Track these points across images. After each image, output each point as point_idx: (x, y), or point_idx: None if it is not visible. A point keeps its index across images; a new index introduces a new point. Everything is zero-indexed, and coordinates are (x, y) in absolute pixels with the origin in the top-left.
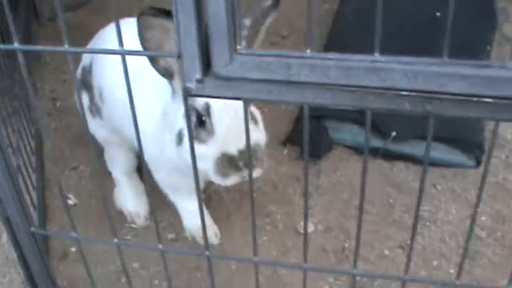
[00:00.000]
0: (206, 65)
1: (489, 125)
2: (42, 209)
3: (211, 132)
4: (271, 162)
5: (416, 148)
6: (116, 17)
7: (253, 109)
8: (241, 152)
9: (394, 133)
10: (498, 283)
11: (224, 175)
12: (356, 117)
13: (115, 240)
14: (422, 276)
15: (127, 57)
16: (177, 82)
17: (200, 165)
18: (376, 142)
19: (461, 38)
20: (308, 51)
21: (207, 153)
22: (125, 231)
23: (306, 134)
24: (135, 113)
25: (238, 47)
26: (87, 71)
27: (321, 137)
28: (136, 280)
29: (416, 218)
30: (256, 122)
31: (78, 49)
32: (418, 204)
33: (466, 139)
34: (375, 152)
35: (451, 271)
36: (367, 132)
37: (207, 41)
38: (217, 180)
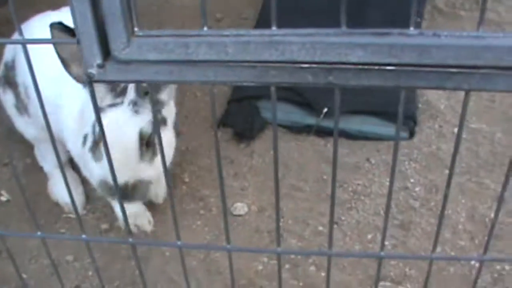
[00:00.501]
0: (106, 50)
1: (422, 96)
2: None
3: (99, 158)
4: (204, 145)
5: (349, 123)
6: None
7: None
8: (126, 184)
9: (326, 109)
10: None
11: (108, 196)
12: (288, 96)
13: (39, 233)
14: (356, 250)
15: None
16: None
17: (90, 179)
18: (309, 119)
19: (391, 11)
20: (205, 28)
21: (94, 172)
22: (60, 224)
23: (215, 117)
24: (43, 105)
25: (135, 29)
26: (10, 67)
27: (253, 118)
28: (70, 273)
29: (333, 189)
30: (165, 123)
31: None
32: (334, 175)
33: (397, 111)
34: (308, 129)
35: (386, 243)
36: (274, 107)
37: (104, 25)
38: None
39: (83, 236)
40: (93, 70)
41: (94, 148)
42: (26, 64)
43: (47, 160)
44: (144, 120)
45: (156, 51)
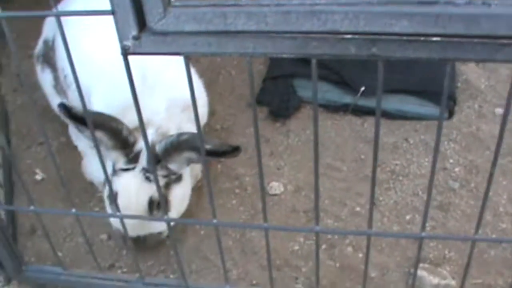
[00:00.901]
0: (141, 21)
1: (461, 75)
2: (9, 186)
3: (114, 211)
4: (239, 123)
5: (387, 102)
6: None
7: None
8: (138, 236)
9: (363, 88)
10: (472, 234)
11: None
12: (324, 74)
13: (73, 210)
14: (394, 231)
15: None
16: None
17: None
18: (346, 98)
19: None
20: None
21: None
22: (94, 202)
23: (253, 90)
24: (81, 92)
25: None
26: (50, 47)
27: (289, 96)
28: (104, 252)
29: (374, 169)
30: (180, 180)
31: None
32: (375, 156)
33: (437, 90)
34: (345, 108)
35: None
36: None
37: None
38: None
39: (118, 213)
40: (128, 42)
41: (110, 199)
42: (60, 36)
43: (81, 139)
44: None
45: (193, 21)
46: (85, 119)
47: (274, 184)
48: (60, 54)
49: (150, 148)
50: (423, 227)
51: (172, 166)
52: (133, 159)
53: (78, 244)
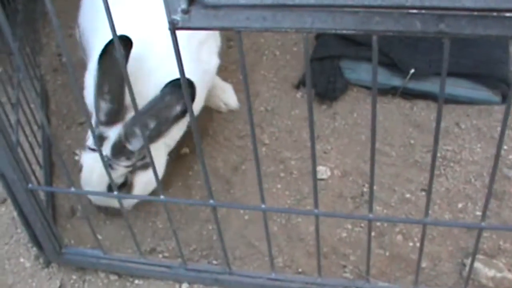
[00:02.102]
0: None
1: None
2: (48, 167)
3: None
4: (284, 105)
5: (437, 85)
6: None
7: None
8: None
9: (413, 70)
10: None
11: None
12: (372, 55)
13: (115, 193)
14: (446, 219)
15: None
16: None
17: None
18: (395, 81)
19: None
20: None
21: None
22: None
23: (308, 66)
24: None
25: None
26: None
27: (336, 78)
28: (145, 235)
29: (434, 158)
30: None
31: None
32: (436, 142)
33: (491, 73)
34: (393, 91)
35: (478, 213)
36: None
37: None
38: None
39: (162, 197)
40: (177, 16)
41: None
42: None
43: None
44: (116, 173)
45: None
46: None
47: (321, 168)
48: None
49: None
50: (483, 217)
51: (131, 147)
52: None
53: (118, 227)
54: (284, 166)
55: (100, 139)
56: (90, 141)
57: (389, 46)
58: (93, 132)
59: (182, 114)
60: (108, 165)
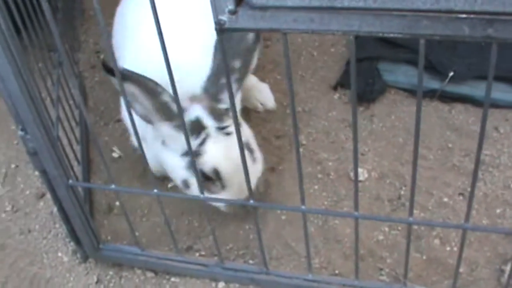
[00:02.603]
0: None
1: None
2: (86, 163)
3: (219, 189)
4: (321, 106)
5: (475, 89)
6: None
7: (246, 136)
8: None
9: (451, 73)
10: None
11: None
12: (410, 57)
13: (155, 190)
14: (484, 225)
15: None
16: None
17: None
18: (433, 83)
19: None
20: None
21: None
22: (171, 182)
23: (353, 68)
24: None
25: None
26: None
27: (374, 80)
28: (181, 233)
29: (477, 163)
30: (251, 151)
31: None
32: (479, 148)
33: None
34: (432, 94)
35: None
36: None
37: None
38: None
39: (201, 195)
40: (224, 17)
41: (208, 183)
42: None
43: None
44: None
45: None
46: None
47: (358, 170)
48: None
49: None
50: None
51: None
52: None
53: (154, 224)
54: (321, 167)
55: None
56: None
57: (428, 48)
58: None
59: (256, 41)
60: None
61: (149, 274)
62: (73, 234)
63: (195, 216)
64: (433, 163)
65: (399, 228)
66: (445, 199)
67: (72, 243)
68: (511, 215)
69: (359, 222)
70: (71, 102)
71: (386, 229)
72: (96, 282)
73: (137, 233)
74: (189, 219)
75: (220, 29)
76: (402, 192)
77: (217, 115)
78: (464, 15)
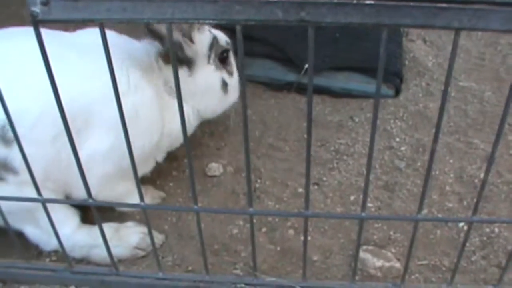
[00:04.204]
0: None
1: (408, 53)
2: None
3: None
4: None
5: (332, 80)
6: None
7: None
8: None
9: (307, 65)
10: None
11: None
12: (268, 51)
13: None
14: (337, 212)
15: None
16: None
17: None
18: (290, 76)
19: None
20: None
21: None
22: None
23: (175, 67)
24: None
25: None
26: None
27: None
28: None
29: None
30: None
31: None
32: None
33: (384, 67)
34: (288, 87)
35: (370, 205)
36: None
37: None
38: None
39: (39, 197)
40: (37, 8)
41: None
42: None
43: None
44: None
45: None
46: None
47: (213, 165)
48: None
49: None
50: (364, 207)
51: None
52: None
53: (4, 233)
54: (177, 164)
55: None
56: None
57: (284, 41)
58: None
59: None
60: None
61: None
62: None
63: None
64: (289, 155)
65: (254, 221)
66: (300, 190)
67: None
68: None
69: (213, 217)
70: None
71: (241, 222)
72: None
73: None
74: None
75: (34, 21)
76: (257, 185)
77: None
78: None
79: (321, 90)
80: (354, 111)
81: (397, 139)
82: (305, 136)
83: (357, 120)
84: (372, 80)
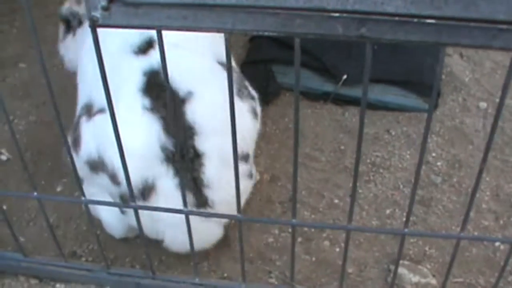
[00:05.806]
0: None
1: (445, 67)
2: None
3: None
4: None
5: (368, 92)
6: None
7: None
8: None
9: (345, 76)
10: (454, 231)
11: None
12: (305, 60)
13: (35, 193)
14: (373, 225)
15: None
16: None
17: None
18: (327, 86)
19: None
20: None
21: None
22: (61, 186)
23: (230, 74)
24: None
25: None
26: None
27: (268, 82)
28: (68, 237)
29: (357, 163)
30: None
31: None
32: (358, 148)
33: (421, 81)
34: (325, 97)
35: (405, 219)
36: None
37: None
38: None
39: (83, 198)
40: (97, 13)
41: None
42: None
43: None
44: None
45: None
46: None
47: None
48: None
49: None
50: (407, 223)
51: None
52: None
53: (41, 229)
54: None
55: None
56: None
57: (322, 50)
58: None
59: None
60: None
61: (33, 281)
62: None
63: (83, 220)
64: (325, 165)
65: (289, 230)
66: (336, 201)
67: None
68: (400, 215)
69: (248, 225)
70: None
71: (276, 231)
72: None
73: (23, 239)
74: (78, 223)
75: (93, 25)
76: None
77: None
78: (337, 14)
79: (358, 102)
80: (391, 124)
81: (433, 154)
82: (342, 147)
83: (393, 133)
84: (409, 93)
